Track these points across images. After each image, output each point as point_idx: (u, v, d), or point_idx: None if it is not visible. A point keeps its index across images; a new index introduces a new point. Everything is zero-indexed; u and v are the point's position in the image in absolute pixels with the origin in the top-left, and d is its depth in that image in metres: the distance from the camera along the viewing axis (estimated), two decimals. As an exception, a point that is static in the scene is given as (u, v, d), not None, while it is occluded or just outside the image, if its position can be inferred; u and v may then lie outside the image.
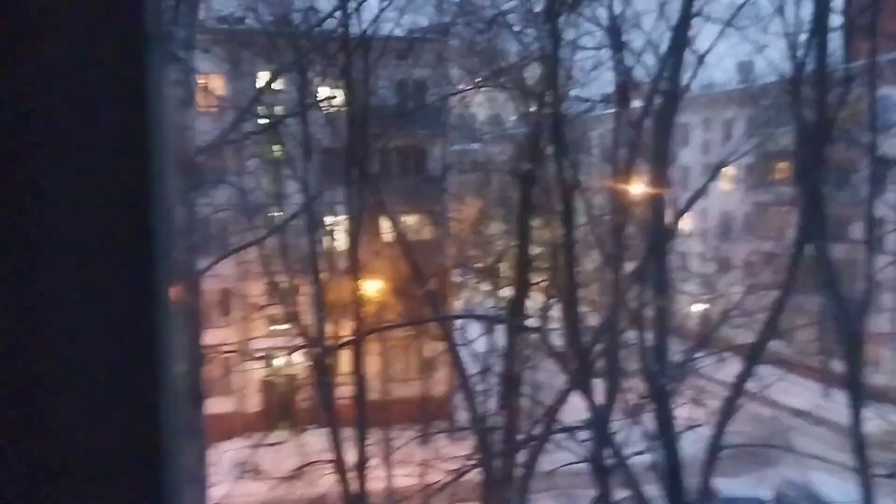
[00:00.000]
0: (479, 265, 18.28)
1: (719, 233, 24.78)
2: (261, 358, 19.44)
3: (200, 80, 16.71)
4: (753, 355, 11.91)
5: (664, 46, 11.85)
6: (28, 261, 0.46)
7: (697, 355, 13.14)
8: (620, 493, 13.46)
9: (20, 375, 0.45)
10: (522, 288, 15.47)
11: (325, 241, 18.34)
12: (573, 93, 15.91)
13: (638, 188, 13.01)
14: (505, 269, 17.74)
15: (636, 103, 12.62)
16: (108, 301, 0.47)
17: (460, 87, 18.44)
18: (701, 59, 12.24)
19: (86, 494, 0.46)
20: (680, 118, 14.04)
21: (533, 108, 15.55)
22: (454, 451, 15.66)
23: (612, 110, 13.36)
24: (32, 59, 0.46)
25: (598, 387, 11.87)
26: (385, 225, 16.86)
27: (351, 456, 14.18)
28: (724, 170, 16.30)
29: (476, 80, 17.99)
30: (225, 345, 16.44)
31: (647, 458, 11.92)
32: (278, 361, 20.97)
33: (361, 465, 14.06)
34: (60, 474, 0.46)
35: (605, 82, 16.45)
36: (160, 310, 0.48)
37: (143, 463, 0.47)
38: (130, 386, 0.48)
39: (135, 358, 0.48)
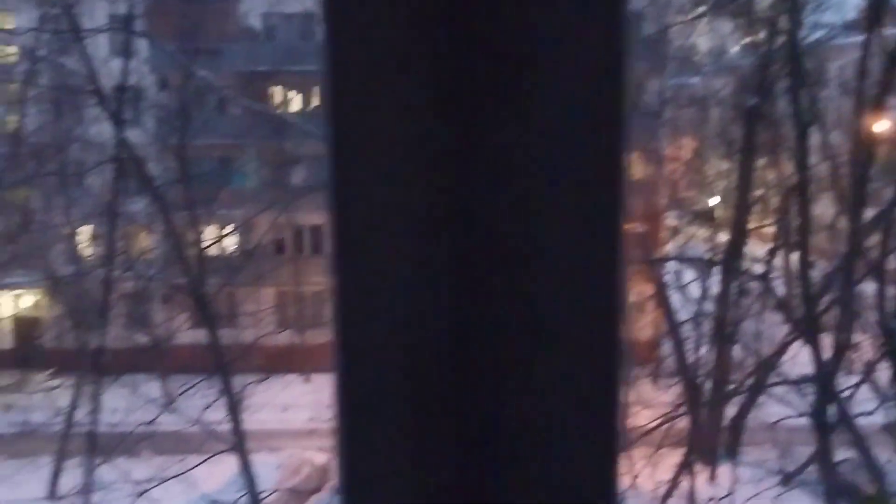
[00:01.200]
0: (696, 207, 17.51)
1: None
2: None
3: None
4: None
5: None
6: (524, 165, 0.57)
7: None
8: (843, 454, 12.59)
9: (516, 258, 0.57)
10: (741, 232, 14.65)
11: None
12: (811, 19, 14.49)
13: (884, 125, 11.71)
14: (724, 211, 16.84)
15: (888, 30, 11.25)
16: (586, 227, 0.57)
17: (681, 17, 17.43)
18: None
19: (563, 350, 0.57)
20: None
21: (762, 37, 14.39)
22: (660, 397, 15.38)
23: (858, 38, 12.01)
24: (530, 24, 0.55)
25: (826, 340, 11.06)
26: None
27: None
28: None
29: (699, 9, 16.90)
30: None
31: (878, 420, 11.02)
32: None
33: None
34: (544, 336, 0.57)
35: (850, 7, 14.80)
36: (619, 231, 0.58)
37: (606, 333, 0.58)
38: (591, 282, 0.57)
39: (603, 250, 0.57)
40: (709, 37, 18.90)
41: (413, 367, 0.57)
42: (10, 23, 17.42)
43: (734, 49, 19.68)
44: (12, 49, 16.58)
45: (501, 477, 0.58)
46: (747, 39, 17.39)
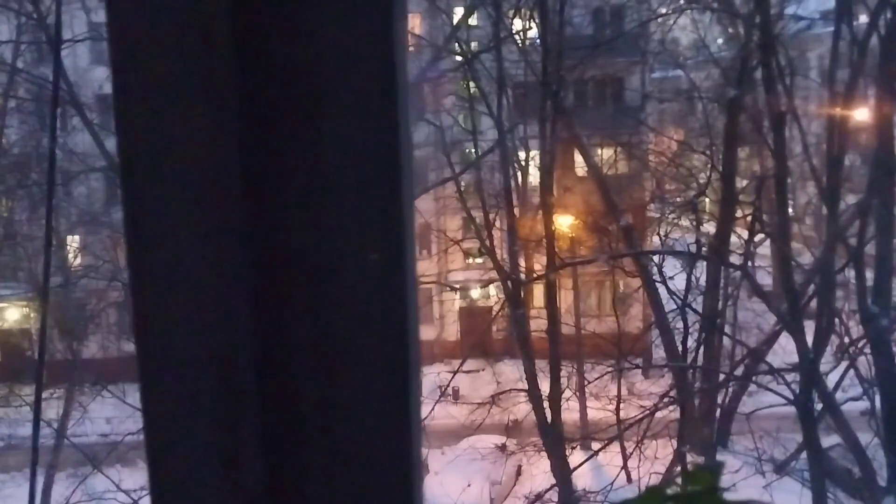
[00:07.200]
0: (680, 199, 17.57)
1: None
2: (458, 289, 20.12)
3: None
4: None
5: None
6: (312, 175, 0.58)
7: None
8: (830, 440, 12.68)
9: (311, 270, 0.59)
10: (726, 223, 14.74)
11: (519, 175, 18.40)
12: (788, 10, 14.60)
13: (862, 113, 11.81)
14: (707, 203, 16.94)
15: (861, 18, 11.35)
16: (366, 216, 0.58)
17: (661, 10, 17.51)
18: (946, -38, 10.71)
19: (358, 360, 0.60)
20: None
21: (741, 30, 14.48)
22: (649, 388, 15.47)
23: (833, 28, 12.11)
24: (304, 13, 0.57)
25: (810, 328, 11.15)
26: (579, 158, 16.62)
27: (545, 387, 14.46)
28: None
29: (679, 3, 16.99)
30: (425, 276, 17.18)
31: (861, 405, 11.12)
32: (474, 293, 21.59)
33: (555, 396, 14.32)
34: (341, 342, 0.59)
35: (827, -4, 14.90)
36: (407, 225, 0.59)
37: (394, 344, 0.60)
38: (382, 285, 0.59)
39: (385, 258, 0.59)
40: (691, 30, 18.96)
41: (216, 376, 0.58)
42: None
43: (717, 41, 19.76)
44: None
45: (307, 482, 0.59)
46: (728, 32, 17.47)
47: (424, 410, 12.37)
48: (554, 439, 13.87)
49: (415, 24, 18.71)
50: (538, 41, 14.58)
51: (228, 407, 0.58)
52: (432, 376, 15.78)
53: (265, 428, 0.58)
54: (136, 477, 12.95)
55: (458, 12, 15.93)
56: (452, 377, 13.43)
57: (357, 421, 0.59)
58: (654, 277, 14.62)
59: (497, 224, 16.75)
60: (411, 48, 16.78)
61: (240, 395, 0.58)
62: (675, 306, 14.79)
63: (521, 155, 18.37)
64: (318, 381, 0.59)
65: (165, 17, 0.55)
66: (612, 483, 12.25)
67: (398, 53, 0.57)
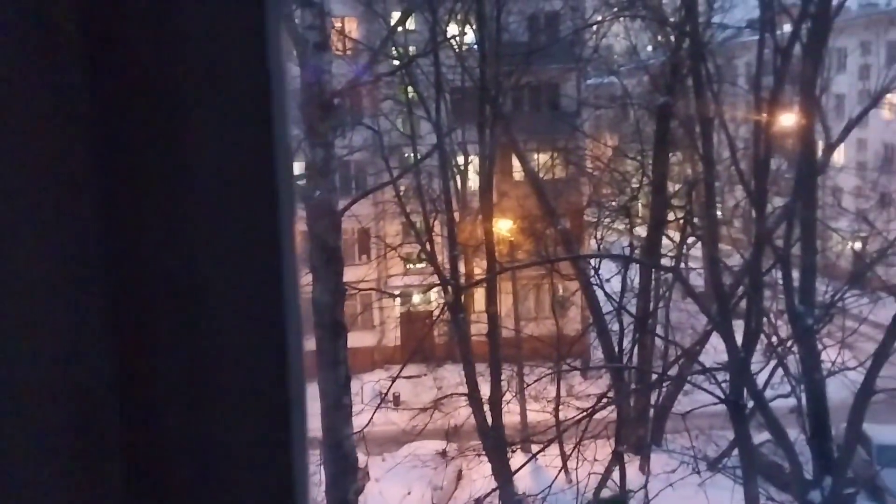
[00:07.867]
0: (614, 203, 17.90)
1: (878, 166, 22.96)
2: (398, 295, 20.06)
3: (335, 23, 16.98)
4: (913, 297, 11.08)
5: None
6: (177, 191, 0.53)
7: (848, 295, 12.39)
8: (761, 437, 13.07)
9: (178, 294, 0.53)
10: (658, 226, 15.09)
11: (458, 180, 18.47)
12: (715, 19, 15.05)
13: (786, 119, 12.23)
14: (641, 207, 17.30)
15: (784, 27, 11.77)
16: (238, 235, 0.54)
17: (595, 18, 17.83)
18: (861, -25, 11.18)
19: (232, 391, 0.54)
20: (835, 42, 12.97)
21: (672, 38, 14.85)
22: (587, 389, 15.68)
23: (758, 36, 12.52)
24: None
25: (740, 328, 11.46)
26: (517, 163, 16.78)
27: (485, 390, 14.51)
28: (886, 97, 15.02)
29: (612, 10, 17.32)
30: (364, 281, 17.07)
31: (790, 402, 11.49)
32: (415, 298, 21.56)
33: (495, 400, 14.39)
34: (212, 372, 0.54)
35: (752, 6, 15.40)
36: (285, 243, 0.54)
37: (273, 373, 0.55)
38: (259, 310, 0.54)
39: (262, 280, 0.54)
40: (623, 37, 19.35)
41: (73, 414, 0.53)
42: None
43: (648, 49, 20.22)
44: None
45: None
46: (658, 39, 17.89)
47: (364, 417, 12.30)
48: (494, 442, 13.93)
49: (351, 27, 18.61)
50: (475, 46, 14.68)
51: (87, 447, 0.53)
52: (372, 383, 15.67)
53: (128, 468, 0.53)
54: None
55: (395, 16, 15.91)
56: (392, 383, 13.35)
57: (233, 459, 0.54)
58: (591, 280, 14.84)
59: (436, 229, 16.76)
60: (349, 52, 16.68)
61: (100, 435, 0.53)
62: (612, 308, 15.03)
63: (460, 159, 18.43)
64: (187, 416, 0.54)
65: (5, 13, 0.49)
66: (551, 485, 12.36)
67: (273, 54, 0.52)
